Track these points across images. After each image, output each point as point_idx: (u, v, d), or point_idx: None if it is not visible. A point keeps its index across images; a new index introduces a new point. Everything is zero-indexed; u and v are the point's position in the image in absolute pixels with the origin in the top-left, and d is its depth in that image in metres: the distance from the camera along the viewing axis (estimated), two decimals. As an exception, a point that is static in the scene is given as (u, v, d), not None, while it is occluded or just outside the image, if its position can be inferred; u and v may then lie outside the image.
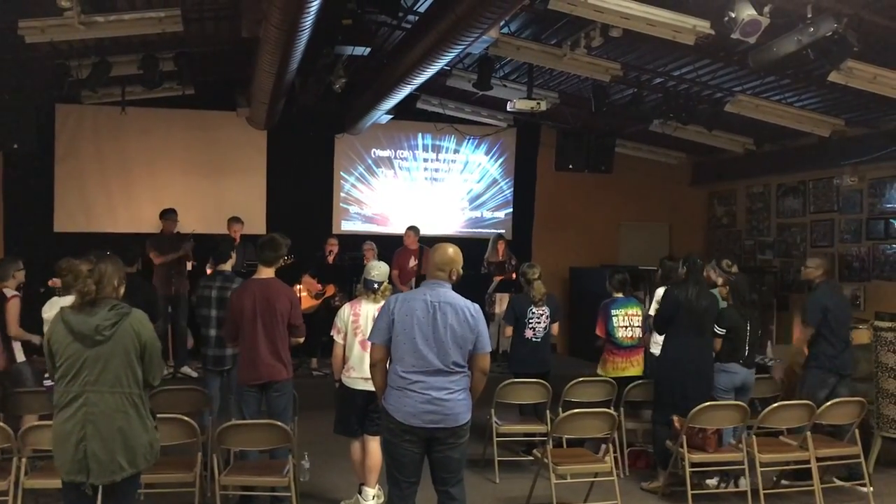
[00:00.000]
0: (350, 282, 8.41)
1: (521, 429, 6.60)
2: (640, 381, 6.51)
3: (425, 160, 11.43)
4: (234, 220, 9.06)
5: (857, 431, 5.84)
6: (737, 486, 5.82)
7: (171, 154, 10.25)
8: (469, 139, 11.44)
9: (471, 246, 10.45)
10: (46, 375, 4.98)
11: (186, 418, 4.95)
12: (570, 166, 9.98)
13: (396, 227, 10.69)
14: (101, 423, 3.53)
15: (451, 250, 4.27)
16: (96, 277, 3.59)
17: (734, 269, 6.71)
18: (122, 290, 3.72)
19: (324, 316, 8.27)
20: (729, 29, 5.68)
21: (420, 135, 11.32)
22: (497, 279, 9.66)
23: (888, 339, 6.45)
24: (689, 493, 5.50)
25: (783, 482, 6.03)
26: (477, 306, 4.23)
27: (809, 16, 5.73)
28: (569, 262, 11.46)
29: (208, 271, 8.08)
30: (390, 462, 4.19)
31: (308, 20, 5.63)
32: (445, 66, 7.40)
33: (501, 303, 9.27)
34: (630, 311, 6.82)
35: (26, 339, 5.95)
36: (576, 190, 11.46)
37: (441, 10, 5.89)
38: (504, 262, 9.80)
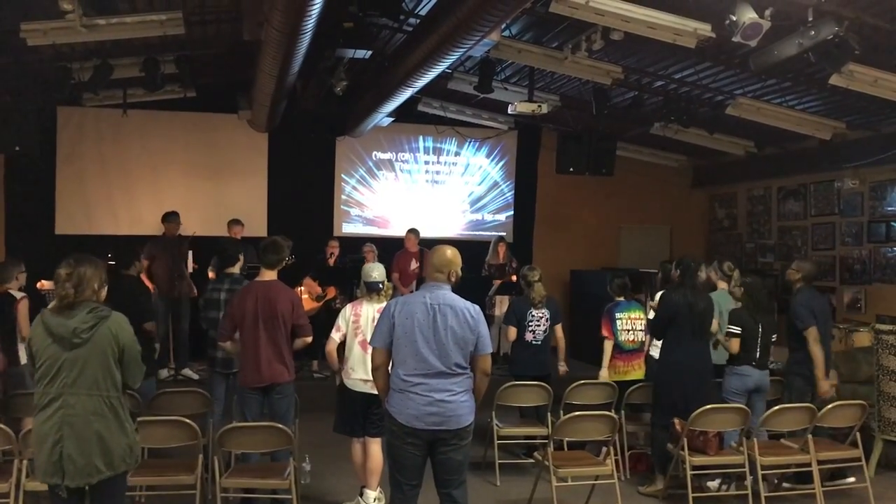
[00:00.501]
0: (351, 284, 8.41)
1: (522, 431, 6.59)
2: (641, 384, 6.51)
3: (426, 163, 11.45)
4: (234, 223, 9.06)
5: (858, 434, 5.84)
6: (743, 487, 5.79)
7: (172, 156, 10.27)
8: (470, 142, 11.45)
9: (471, 248, 10.53)
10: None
11: (188, 420, 4.95)
12: (571, 169, 9.98)
13: (397, 230, 10.70)
14: (77, 425, 3.52)
15: (450, 252, 4.28)
16: (75, 281, 3.57)
17: (735, 272, 6.73)
18: (103, 293, 3.70)
19: (325, 318, 8.27)
20: (730, 32, 5.69)
21: (421, 137, 11.34)
22: (497, 282, 9.66)
23: (889, 342, 6.45)
24: (690, 495, 5.50)
25: (784, 485, 6.02)
26: (477, 307, 4.23)
27: (810, 19, 5.74)
28: (569, 264, 11.45)
29: (210, 275, 8.08)
30: (393, 464, 4.19)
31: (309, 23, 5.63)
32: (447, 68, 7.40)
33: (502, 305, 9.26)
34: (633, 315, 6.81)
35: None
36: (577, 193, 11.46)
37: (442, 13, 5.89)
38: (505, 264, 9.81)
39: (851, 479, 5.96)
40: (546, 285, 6.84)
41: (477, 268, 9.85)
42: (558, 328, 6.86)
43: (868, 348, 6.72)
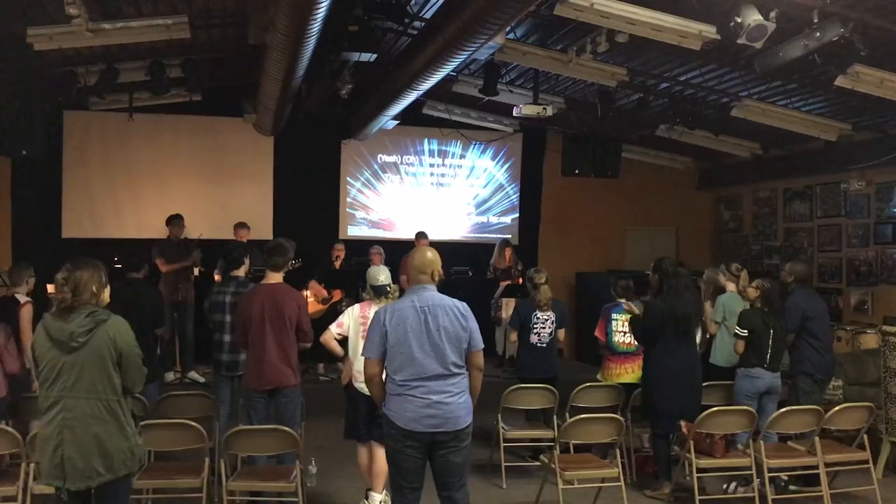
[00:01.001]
0: (357, 287, 8.41)
1: (528, 434, 6.57)
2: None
3: (431, 165, 11.45)
4: (240, 226, 9.08)
5: (865, 437, 5.82)
6: (753, 489, 5.76)
7: (178, 160, 10.29)
8: (475, 144, 11.45)
9: (477, 251, 10.58)
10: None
11: (194, 423, 4.95)
12: (577, 171, 9.98)
13: (403, 232, 10.71)
14: (77, 428, 3.53)
15: (430, 252, 4.30)
16: (72, 285, 3.57)
17: (743, 272, 6.70)
18: (104, 296, 3.69)
19: (330, 321, 8.23)
20: (735, 34, 5.67)
21: (426, 140, 11.34)
22: (504, 283, 9.66)
23: (896, 344, 6.43)
24: (697, 498, 5.49)
25: (791, 487, 6.00)
26: (465, 304, 4.22)
27: (816, 21, 5.72)
28: (575, 267, 11.45)
29: (216, 278, 8.10)
30: (393, 468, 4.18)
31: (315, 27, 5.65)
32: (452, 71, 7.41)
33: (508, 307, 9.24)
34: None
35: None
36: (582, 195, 11.46)
37: (447, 17, 5.90)
38: (510, 267, 9.80)
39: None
40: (551, 288, 6.83)
41: (482, 270, 9.86)
42: (561, 332, 6.85)
43: (875, 350, 6.70)
